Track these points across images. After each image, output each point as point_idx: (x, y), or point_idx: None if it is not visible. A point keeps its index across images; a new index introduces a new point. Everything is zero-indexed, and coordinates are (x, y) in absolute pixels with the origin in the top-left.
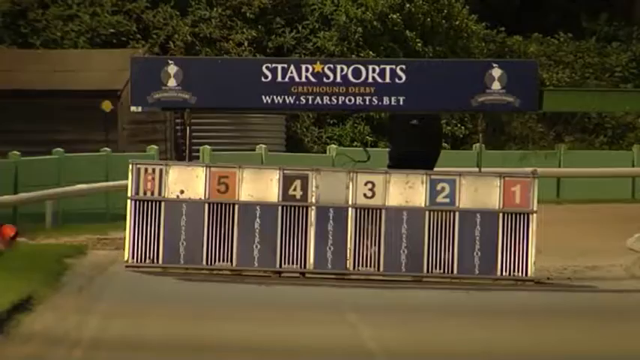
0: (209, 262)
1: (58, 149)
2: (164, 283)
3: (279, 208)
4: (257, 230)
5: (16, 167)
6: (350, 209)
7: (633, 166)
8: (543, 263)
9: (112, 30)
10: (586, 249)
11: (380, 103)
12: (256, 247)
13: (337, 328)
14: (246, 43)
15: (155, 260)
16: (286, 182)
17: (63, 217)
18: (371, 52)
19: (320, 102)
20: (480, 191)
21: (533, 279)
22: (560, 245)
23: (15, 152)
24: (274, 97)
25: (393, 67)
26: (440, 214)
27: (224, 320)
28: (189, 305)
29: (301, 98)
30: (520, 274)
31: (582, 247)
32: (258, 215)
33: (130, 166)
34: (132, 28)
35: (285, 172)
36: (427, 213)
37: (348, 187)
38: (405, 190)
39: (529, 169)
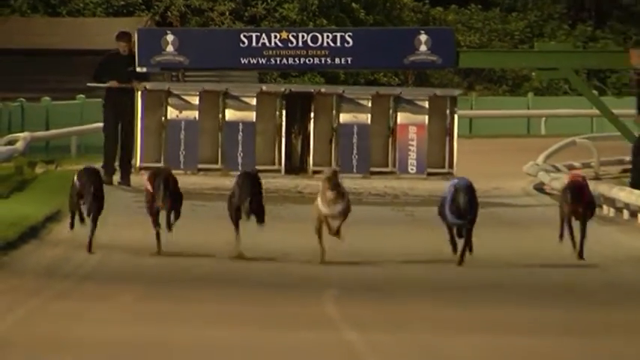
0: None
1: (81, 96)
2: None
3: (257, 124)
4: (240, 142)
5: (47, 110)
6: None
7: (528, 108)
8: None
9: (122, 2)
10: (491, 174)
11: (332, 62)
12: (239, 154)
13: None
14: (227, 13)
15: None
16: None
17: (85, 148)
18: (324, 20)
19: (286, 62)
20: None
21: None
22: (470, 170)
23: (46, 98)
24: (250, 59)
25: (343, 34)
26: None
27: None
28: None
29: (271, 60)
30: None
31: (488, 172)
32: (240, 129)
33: (139, 92)
34: (138, 0)
35: (263, 88)
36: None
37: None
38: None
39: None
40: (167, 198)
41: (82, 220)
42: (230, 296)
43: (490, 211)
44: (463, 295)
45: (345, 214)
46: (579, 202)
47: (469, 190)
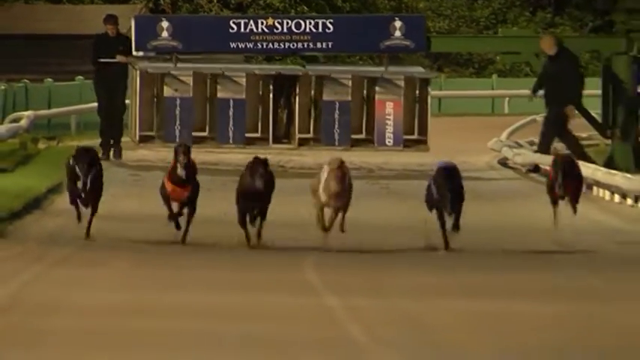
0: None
1: (80, 77)
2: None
3: (247, 101)
4: (231, 117)
5: (49, 90)
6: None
7: (493, 89)
8: (426, 160)
9: None
10: (458, 149)
11: (314, 47)
12: (230, 129)
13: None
14: (215, 0)
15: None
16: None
17: (84, 126)
18: (305, 7)
19: (272, 47)
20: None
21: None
22: (440, 146)
23: (48, 79)
24: (238, 43)
25: (324, 20)
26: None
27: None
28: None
29: (258, 44)
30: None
31: (456, 148)
32: (231, 106)
33: (137, 72)
34: None
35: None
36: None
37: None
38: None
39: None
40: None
41: (79, 218)
42: (217, 262)
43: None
44: (440, 262)
45: (346, 207)
46: (570, 180)
47: (455, 172)
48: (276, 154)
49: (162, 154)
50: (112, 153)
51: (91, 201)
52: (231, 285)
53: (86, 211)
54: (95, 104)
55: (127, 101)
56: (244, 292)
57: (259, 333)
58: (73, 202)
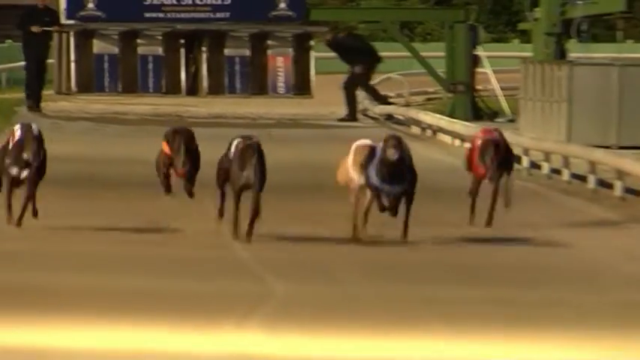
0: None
1: (9, 40)
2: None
3: (164, 57)
4: (151, 70)
5: None
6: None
7: None
8: (299, 111)
9: None
10: (327, 101)
11: (215, 16)
12: (150, 80)
13: None
14: None
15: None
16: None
17: (13, 81)
18: None
19: (179, 17)
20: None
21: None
22: (318, 98)
23: None
24: (152, 13)
25: None
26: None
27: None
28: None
29: (168, 14)
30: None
31: (326, 100)
32: (150, 61)
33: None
34: None
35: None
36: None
37: None
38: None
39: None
40: (187, 161)
41: (8, 209)
42: (127, 196)
43: (327, 131)
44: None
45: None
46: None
47: (402, 146)
48: (175, 106)
49: (80, 104)
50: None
51: (28, 184)
52: (138, 216)
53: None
54: (21, 63)
55: (50, 61)
56: (149, 222)
57: (170, 254)
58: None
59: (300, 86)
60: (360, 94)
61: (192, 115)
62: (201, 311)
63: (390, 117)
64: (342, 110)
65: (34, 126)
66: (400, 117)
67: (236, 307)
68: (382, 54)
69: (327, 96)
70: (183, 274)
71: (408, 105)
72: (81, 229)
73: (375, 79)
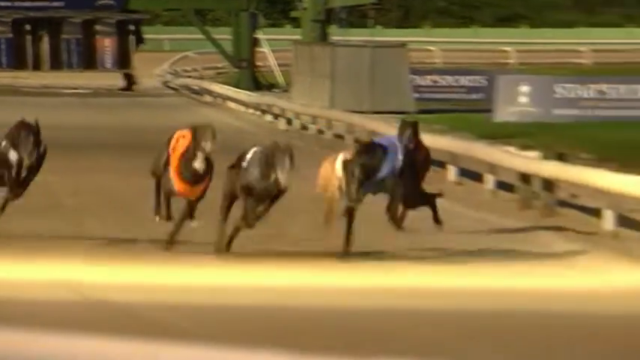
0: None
1: None
2: None
3: (13, 39)
4: (3, 50)
5: None
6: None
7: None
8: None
9: None
10: (142, 75)
11: (51, 5)
12: (3, 58)
13: None
14: None
15: None
16: None
17: None
18: None
19: (25, 5)
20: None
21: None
22: (136, 72)
23: None
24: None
25: None
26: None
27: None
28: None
29: (15, 3)
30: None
31: (141, 74)
32: (3, 42)
33: None
34: None
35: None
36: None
37: None
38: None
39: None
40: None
41: None
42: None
43: (137, 100)
44: (117, 150)
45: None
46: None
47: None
48: (12, 78)
49: None
50: None
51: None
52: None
53: None
54: None
55: None
56: None
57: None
58: None
59: (124, 62)
60: (164, 69)
61: (24, 85)
62: None
63: (187, 87)
64: (154, 82)
65: None
66: (195, 87)
67: None
68: (183, 36)
69: (139, 70)
70: None
71: (201, 78)
72: None
73: (175, 57)
